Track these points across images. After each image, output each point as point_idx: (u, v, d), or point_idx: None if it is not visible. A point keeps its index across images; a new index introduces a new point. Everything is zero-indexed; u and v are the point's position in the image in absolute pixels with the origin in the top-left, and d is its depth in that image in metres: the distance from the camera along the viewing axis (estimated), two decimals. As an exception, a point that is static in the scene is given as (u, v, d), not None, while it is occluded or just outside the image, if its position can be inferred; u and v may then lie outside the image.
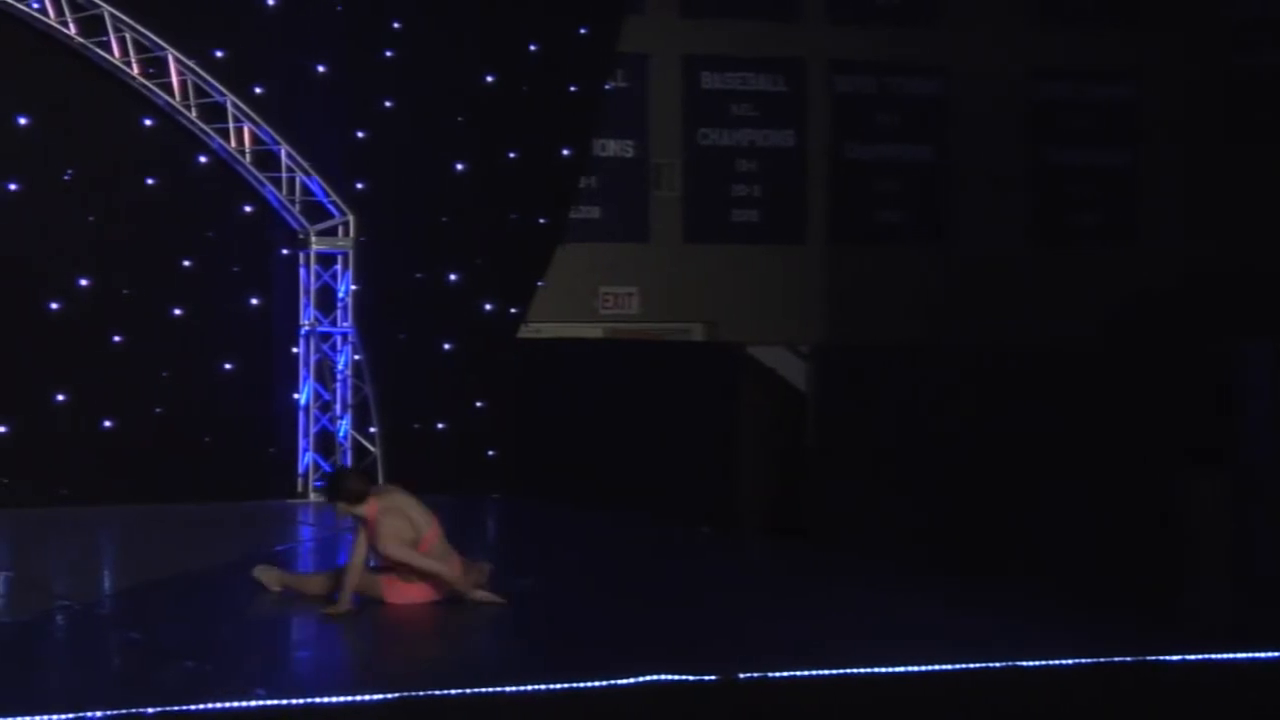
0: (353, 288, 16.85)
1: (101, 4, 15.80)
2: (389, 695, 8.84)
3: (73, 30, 15.76)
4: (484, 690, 8.96)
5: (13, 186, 16.07)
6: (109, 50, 15.89)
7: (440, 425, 17.28)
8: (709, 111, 21.16)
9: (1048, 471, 12.01)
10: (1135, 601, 11.19)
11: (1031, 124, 22.28)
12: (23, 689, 9.17)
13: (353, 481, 11.39)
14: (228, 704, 8.62)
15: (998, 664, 9.64)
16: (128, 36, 15.93)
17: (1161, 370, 11.52)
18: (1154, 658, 9.81)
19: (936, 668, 9.53)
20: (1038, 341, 19.53)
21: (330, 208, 16.76)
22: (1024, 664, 9.65)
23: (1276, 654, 9.86)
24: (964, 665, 9.60)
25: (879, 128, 21.80)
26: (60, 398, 16.15)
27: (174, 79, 16.14)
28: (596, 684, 9.10)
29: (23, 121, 16.06)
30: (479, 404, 17.50)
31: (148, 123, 16.37)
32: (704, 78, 21.18)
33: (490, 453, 17.36)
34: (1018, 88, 22.14)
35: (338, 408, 16.78)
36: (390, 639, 10.92)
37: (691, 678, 9.22)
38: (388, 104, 17.13)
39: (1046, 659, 9.70)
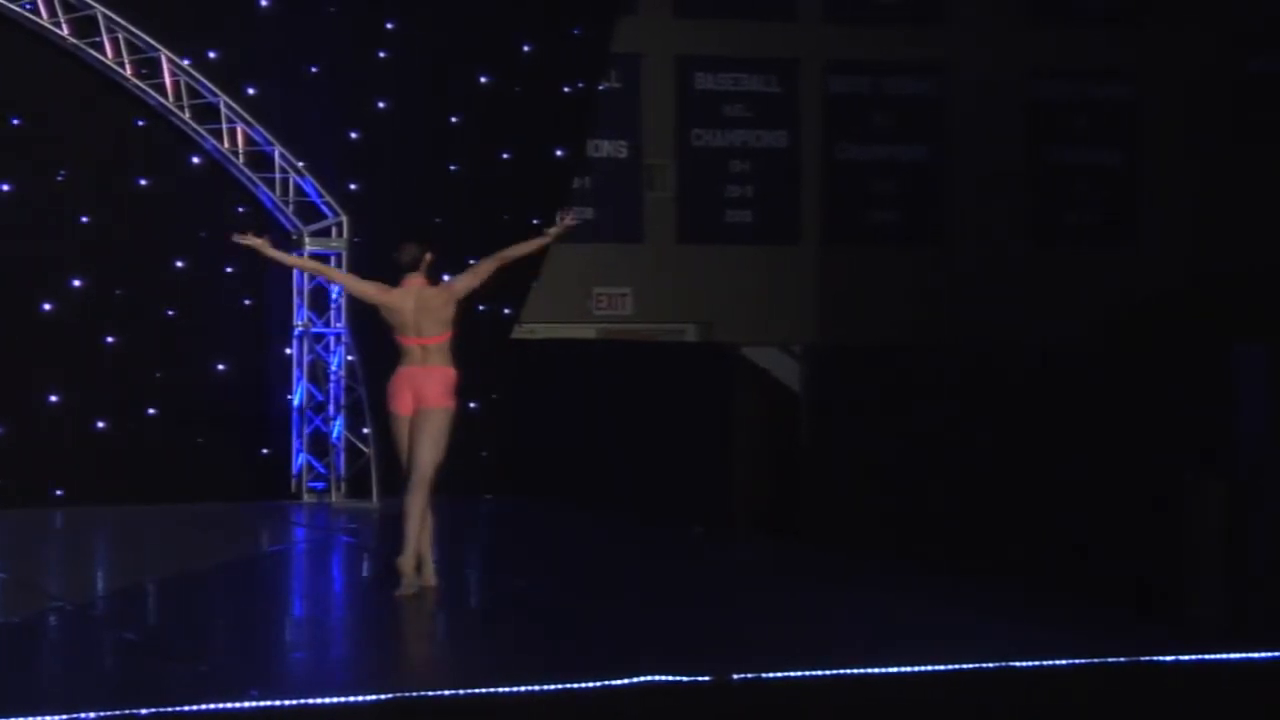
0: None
1: (94, 4, 15.82)
2: (382, 696, 8.84)
3: (65, 31, 15.77)
4: (477, 691, 8.96)
5: (5, 187, 16.09)
6: (102, 51, 15.90)
7: (434, 426, 17.26)
8: (702, 112, 21.19)
9: (1044, 472, 12.04)
10: (1132, 601, 11.21)
11: (1029, 124, 22.30)
12: (16, 690, 9.18)
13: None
14: (222, 705, 8.63)
15: (992, 664, 9.65)
16: (120, 37, 15.94)
17: (1160, 371, 11.54)
18: (1151, 658, 9.82)
19: (932, 668, 9.55)
20: (1034, 344, 19.54)
21: (324, 208, 16.77)
22: (1019, 664, 9.66)
23: (1275, 654, 9.87)
24: (959, 665, 9.61)
25: (873, 128, 21.82)
26: (53, 399, 16.16)
27: (167, 80, 16.15)
28: (590, 685, 9.10)
29: (15, 122, 16.07)
30: (472, 405, 17.48)
31: (141, 123, 16.38)
32: (697, 78, 21.20)
33: (484, 453, 17.36)
34: (1015, 87, 22.17)
35: (331, 408, 16.79)
36: (383, 639, 10.93)
37: (685, 678, 9.23)
38: (381, 105, 17.14)
39: (1042, 659, 9.71)
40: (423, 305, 11.81)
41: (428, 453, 11.61)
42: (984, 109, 21.97)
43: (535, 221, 17.70)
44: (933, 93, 22.01)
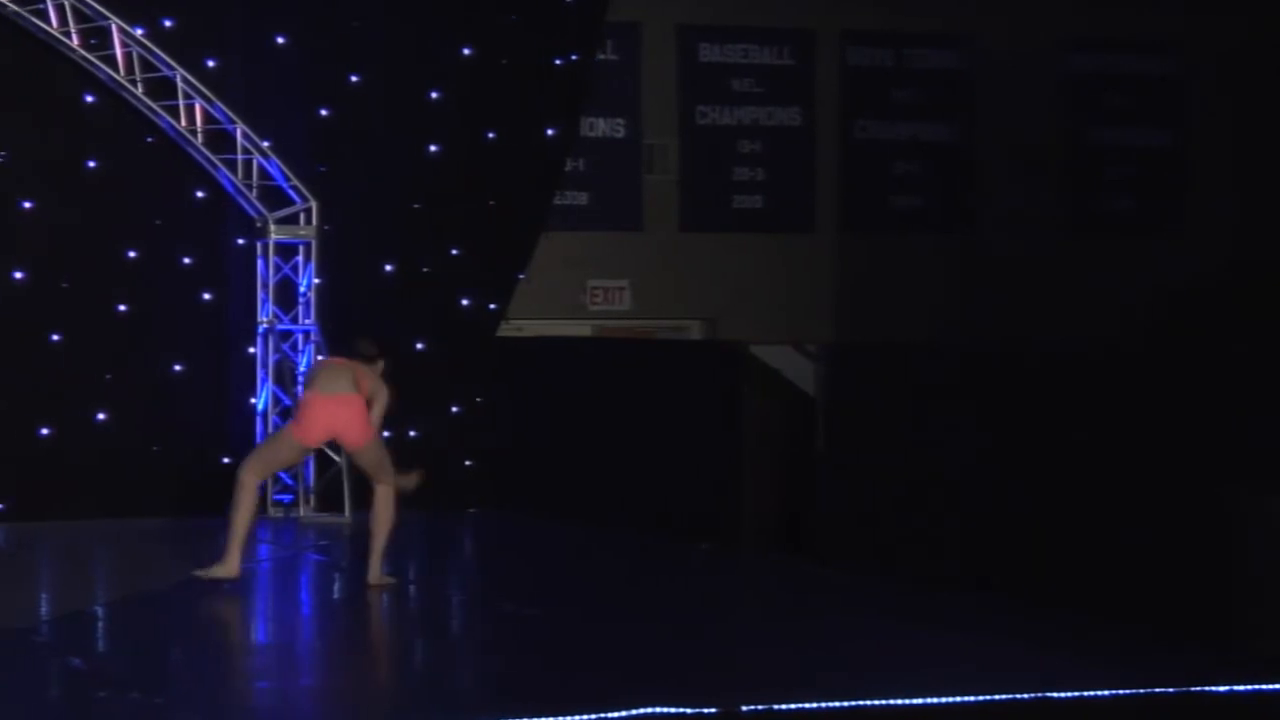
0: (315, 281, 16.87)
1: (38, -32, 15.83)
2: (357, 730, 8.87)
3: (6, -3, 15.77)
4: (461, 724, 9.00)
5: (-60, 170, 16.10)
6: (46, 19, 15.90)
7: (412, 433, 17.27)
8: (708, 87, 21.19)
9: (1083, 484, 12.04)
10: (1179, 627, 11.22)
11: (1064, 100, 22.32)
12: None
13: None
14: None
15: (1028, 695, 9.67)
16: (66, 4, 15.94)
17: (1209, 372, 11.55)
18: (1199, 688, 9.84)
19: (958, 699, 9.57)
20: (1071, 340, 19.56)
21: (291, 193, 16.78)
22: (1056, 695, 9.68)
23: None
24: (988, 697, 9.63)
25: (895, 105, 21.82)
26: (-4, 404, 16.17)
27: (118, 51, 16.15)
28: (586, 717, 9.12)
29: (-49, 98, 16.10)
30: (455, 409, 17.53)
31: (89, 99, 16.39)
32: (702, 49, 21.20)
33: (467, 463, 17.37)
34: (1048, 60, 22.17)
35: (299, 413, 16.78)
36: (359, 666, 10.95)
37: (690, 710, 9.25)
38: (354, 79, 17.15)
39: (1081, 690, 9.73)
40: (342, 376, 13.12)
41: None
42: (1015, 84, 21.97)
43: (523, 208, 17.76)
44: (959, 66, 22.02)
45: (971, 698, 9.60)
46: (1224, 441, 11.21)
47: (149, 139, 16.55)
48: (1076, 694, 9.69)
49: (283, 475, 16.68)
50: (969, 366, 13.44)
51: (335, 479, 16.63)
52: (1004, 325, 20.97)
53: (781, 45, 21.40)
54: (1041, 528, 12.32)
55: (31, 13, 15.86)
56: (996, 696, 9.64)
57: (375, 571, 13.01)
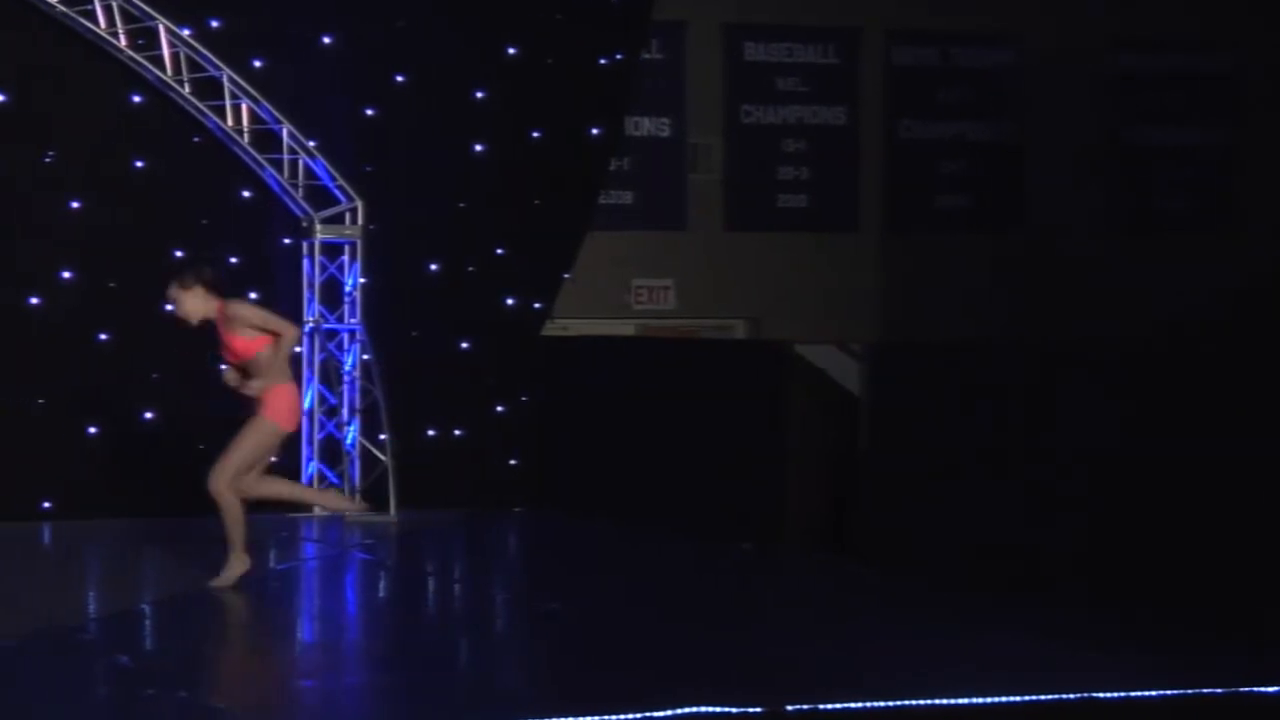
0: (361, 280, 16.91)
1: (85, -31, 15.90)
2: (402, 728, 8.88)
3: (54, -2, 15.85)
4: (506, 723, 9.01)
5: (-12, 170, 16.18)
6: (94, 20, 15.97)
7: (457, 432, 17.33)
8: (753, 86, 21.19)
9: (1137, 484, 11.99)
10: (1230, 627, 11.15)
11: (1114, 99, 22.23)
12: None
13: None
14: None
15: (1074, 695, 9.64)
16: (114, 4, 16.01)
17: (1268, 372, 11.49)
18: (1249, 689, 9.79)
19: (1003, 699, 9.54)
20: (1122, 341, 19.48)
21: (336, 193, 16.83)
22: (1102, 695, 9.65)
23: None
24: (1034, 697, 9.60)
25: (941, 104, 21.79)
26: (40, 402, 16.23)
27: (165, 51, 16.21)
28: (630, 716, 9.12)
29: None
30: (499, 408, 17.55)
31: (136, 100, 16.46)
32: (747, 48, 21.20)
33: (512, 462, 17.40)
34: (1098, 58, 22.10)
35: (345, 412, 16.85)
36: (404, 665, 10.96)
37: (735, 709, 9.24)
38: (400, 79, 17.18)
39: (1128, 690, 9.69)
40: None
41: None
42: (1064, 82, 21.91)
43: (568, 207, 17.76)
44: (1007, 64, 21.97)
45: (1017, 698, 9.57)
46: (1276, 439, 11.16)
47: (196, 139, 16.61)
48: (1123, 694, 9.65)
49: (329, 474, 16.73)
50: (1016, 365, 13.39)
51: (382, 477, 16.69)
52: (1049, 325, 20.92)
53: (827, 44, 21.38)
54: (1090, 528, 12.28)
55: (80, 13, 15.94)
56: (1042, 697, 9.61)
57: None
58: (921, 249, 21.59)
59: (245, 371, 12.78)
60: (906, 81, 21.68)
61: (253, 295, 16.78)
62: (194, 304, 12.77)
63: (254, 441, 12.76)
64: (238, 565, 12.78)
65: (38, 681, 10.23)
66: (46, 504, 16.24)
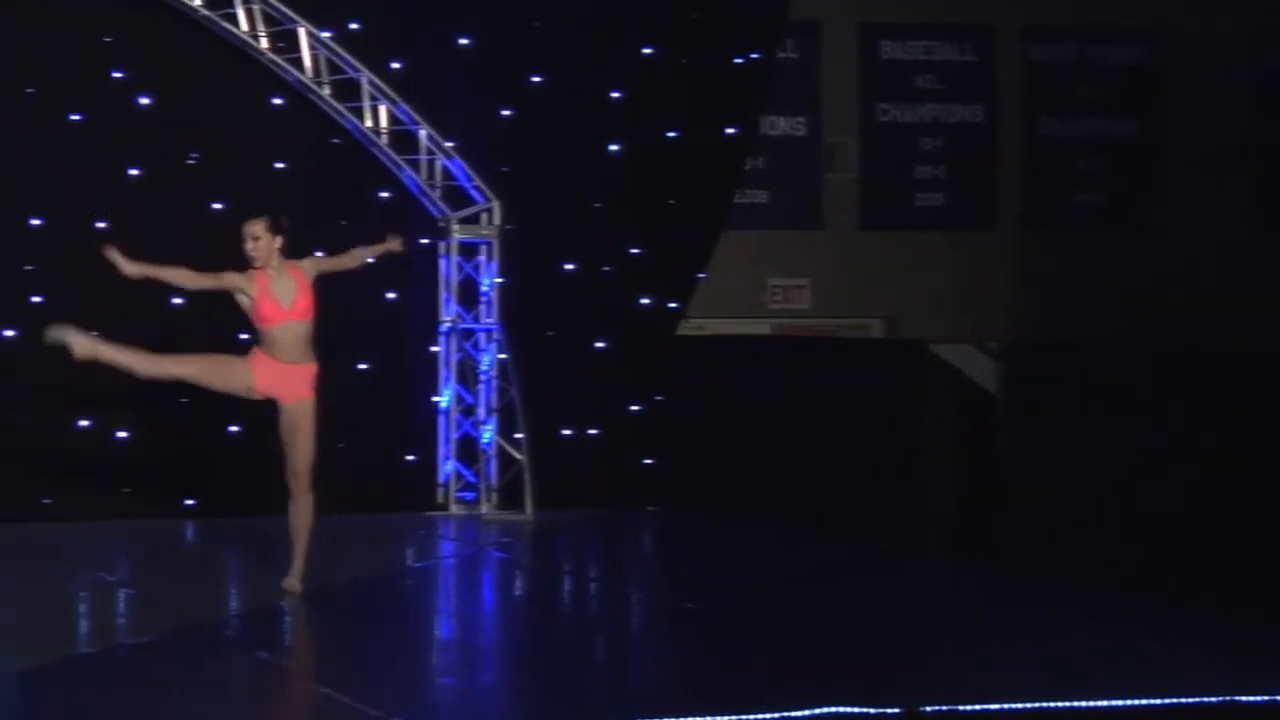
0: (497, 280, 16.99)
1: (227, -27, 16.08)
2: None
3: (197, 2, 16.02)
4: (642, 722, 9.03)
5: (134, 172, 16.38)
6: (235, 23, 16.16)
7: (592, 431, 17.38)
8: (889, 85, 21.08)
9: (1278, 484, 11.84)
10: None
11: (1255, 96, 21.95)
12: (146, 717, 9.36)
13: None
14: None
15: (1214, 699, 9.54)
16: (256, 8, 16.18)
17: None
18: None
19: (1144, 702, 9.45)
20: (1265, 340, 19.22)
21: (473, 193, 16.92)
22: (1245, 699, 9.54)
23: None
24: (1175, 700, 9.51)
25: (1079, 101, 21.59)
26: (183, 400, 16.41)
27: (305, 54, 16.37)
28: (765, 716, 9.12)
29: (144, 102, 16.36)
30: (635, 408, 17.57)
31: (277, 102, 16.62)
32: (883, 47, 21.10)
33: (647, 461, 17.42)
34: (1239, 54, 21.82)
35: (481, 412, 16.93)
36: (540, 663, 11.00)
37: (872, 710, 9.22)
38: (536, 79, 17.25)
39: (1272, 694, 9.58)
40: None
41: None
42: (1204, 79, 21.64)
43: (704, 207, 17.75)
44: (1145, 61, 21.74)
45: (1158, 700, 9.48)
46: None
47: (335, 140, 16.75)
48: (1268, 698, 9.54)
49: (465, 472, 16.82)
50: (1156, 364, 13.26)
51: (518, 476, 16.77)
52: (1188, 323, 20.67)
53: (963, 42, 21.24)
54: (1231, 530, 12.13)
55: (222, 17, 16.12)
56: (1184, 699, 9.52)
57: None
58: (1058, 247, 21.40)
59: (294, 336, 12.81)
60: (1044, 78, 21.50)
61: (390, 295, 16.97)
62: (268, 249, 12.83)
63: (312, 427, 12.74)
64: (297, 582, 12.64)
65: (181, 678, 10.37)
66: (189, 502, 16.44)
